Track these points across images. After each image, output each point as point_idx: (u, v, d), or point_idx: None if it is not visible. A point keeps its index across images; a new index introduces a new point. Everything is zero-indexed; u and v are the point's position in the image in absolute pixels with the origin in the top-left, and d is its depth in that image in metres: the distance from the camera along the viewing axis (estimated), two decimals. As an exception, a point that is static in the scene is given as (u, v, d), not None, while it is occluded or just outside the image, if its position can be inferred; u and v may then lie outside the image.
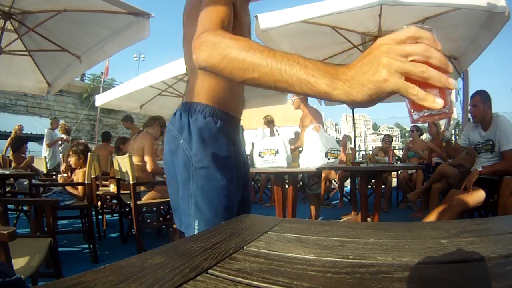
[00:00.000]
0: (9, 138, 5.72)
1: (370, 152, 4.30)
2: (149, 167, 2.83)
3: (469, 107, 2.44)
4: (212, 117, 0.88)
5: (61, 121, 6.61)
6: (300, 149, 3.20)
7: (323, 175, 4.51)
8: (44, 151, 6.07)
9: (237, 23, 0.81)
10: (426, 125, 4.61)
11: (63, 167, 3.22)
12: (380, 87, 0.41)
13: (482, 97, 2.35)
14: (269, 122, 5.25)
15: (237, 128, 0.97)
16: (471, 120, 2.53)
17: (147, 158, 2.82)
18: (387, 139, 5.02)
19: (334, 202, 5.15)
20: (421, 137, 5.01)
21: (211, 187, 0.85)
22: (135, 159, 2.82)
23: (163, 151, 0.94)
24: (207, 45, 0.59)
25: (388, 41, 0.42)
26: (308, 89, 0.48)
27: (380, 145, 5.24)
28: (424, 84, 0.40)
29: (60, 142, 6.28)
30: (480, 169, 2.25)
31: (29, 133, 9.96)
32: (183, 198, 0.87)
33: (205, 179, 0.85)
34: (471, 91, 4.81)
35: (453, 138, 7.67)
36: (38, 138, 10.33)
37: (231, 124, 0.94)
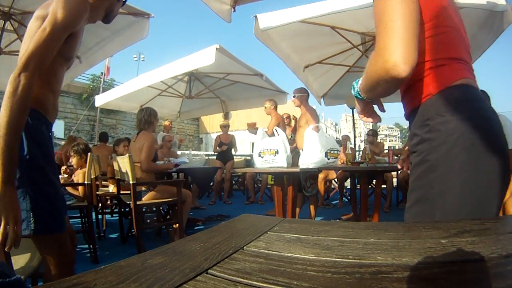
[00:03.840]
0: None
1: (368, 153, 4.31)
2: (142, 165, 2.76)
3: None
4: (38, 120, 1.01)
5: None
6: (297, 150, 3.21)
7: (322, 175, 4.51)
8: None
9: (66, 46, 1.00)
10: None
11: (63, 168, 3.21)
12: None
13: None
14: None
15: (51, 132, 1.12)
16: None
17: (143, 155, 2.77)
18: (371, 133, 5.10)
19: (334, 202, 5.15)
20: None
21: (44, 182, 1.00)
22: (136, 159, 2.81)
23: None
24: (11, 85, 0.85)
25: None
26: None
27: (369, 146, 5.24)
28: None
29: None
30: None
31: (29, 133, 9.93)
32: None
33: (37, 177, 0.98)
34: (471, 91, 4.81)
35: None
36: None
37: (48, 128, 1.08)
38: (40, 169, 1.00)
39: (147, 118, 2.96)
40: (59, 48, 0.97)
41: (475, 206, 0.72)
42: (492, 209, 0.73)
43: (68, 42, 1.00)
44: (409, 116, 0.85)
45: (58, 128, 12.17)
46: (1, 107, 0.85)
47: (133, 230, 2.85)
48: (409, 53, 0.64)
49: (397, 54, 0.64)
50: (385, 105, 0.98)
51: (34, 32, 0.94)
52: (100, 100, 5.04)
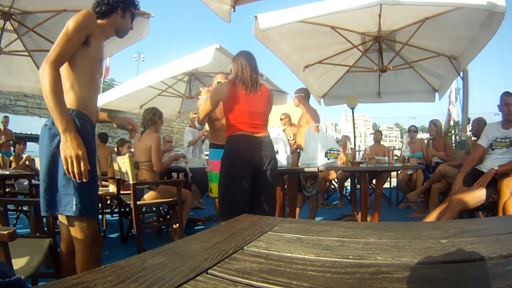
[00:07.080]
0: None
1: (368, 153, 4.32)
2: (155, 167, 2.81)
3: (506, 107, 2.36)
4: (83, 120, 1.24)
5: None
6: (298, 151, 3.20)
7: (322, 175, 4.50)
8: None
9: (87, 52, 1.25)
10: (427, 124, 4.68)
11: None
12: None
13: None
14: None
15: (94, 130, 1.35)
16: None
17: (153, 158, 2.80)
18: (378, 133, 5.36)
19: (334, 202, 5.14)
20: (416, 136, 5.10)
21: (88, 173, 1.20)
22: (142, 159, 2.81)
23: (40, 146, 1.24)
24: (43, 71, 1.11)
25: None
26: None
27: (374, 143, 5.38)
28: None
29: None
30: (496, 168, 2.24)
31: (29, 133, 9.94)
32: (62, 182, 1.16)
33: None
34: (471, 90, 4.81)
35: (453, 139, 7.67)
36: (38, 139, 10.30)
37: (92, 127, 1.31)
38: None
39: (150, 117, 2.99)
40: (91, 52, 1.26)
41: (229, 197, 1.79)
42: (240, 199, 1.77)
43: (92, 44, 1.26)
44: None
45: (58, 128, 12.14)
46: (42, 87, 1.11)
47: (133, 230, 2.85)
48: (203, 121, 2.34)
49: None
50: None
51: None
52: (100, 100, 5.03)
